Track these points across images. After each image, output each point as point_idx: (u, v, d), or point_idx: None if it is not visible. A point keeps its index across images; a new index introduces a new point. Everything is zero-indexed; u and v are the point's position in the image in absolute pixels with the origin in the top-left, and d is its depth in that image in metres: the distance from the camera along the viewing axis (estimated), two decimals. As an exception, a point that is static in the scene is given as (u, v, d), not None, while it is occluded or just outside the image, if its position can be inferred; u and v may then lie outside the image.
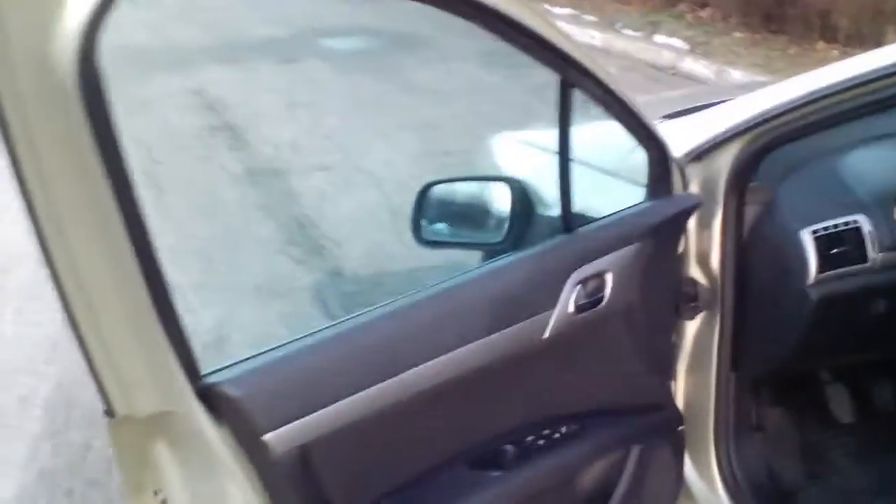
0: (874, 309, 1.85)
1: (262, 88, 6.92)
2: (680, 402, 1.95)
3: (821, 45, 6.98)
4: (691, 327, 1.92)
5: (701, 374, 1.92)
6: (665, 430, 1.82)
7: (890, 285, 1.81)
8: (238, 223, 4.74)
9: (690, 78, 6.78)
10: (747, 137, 1.75)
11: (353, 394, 1.25)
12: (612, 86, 1.55)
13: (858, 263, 1.78)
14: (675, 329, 1.92)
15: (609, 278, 1.58)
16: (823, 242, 1.75)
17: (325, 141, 5.73)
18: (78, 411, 3.23)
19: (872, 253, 1.77)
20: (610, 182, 2.08)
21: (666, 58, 7.18)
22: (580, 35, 7.90)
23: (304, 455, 1.21)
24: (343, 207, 4.82)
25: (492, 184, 1.82)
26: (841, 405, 2.29)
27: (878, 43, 6.65)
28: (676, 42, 7.38)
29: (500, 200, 1.76)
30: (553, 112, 1.51)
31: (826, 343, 1.91)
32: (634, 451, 1.70)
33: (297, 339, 1.26)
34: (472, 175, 1.84)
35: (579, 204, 1.70)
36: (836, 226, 1.77)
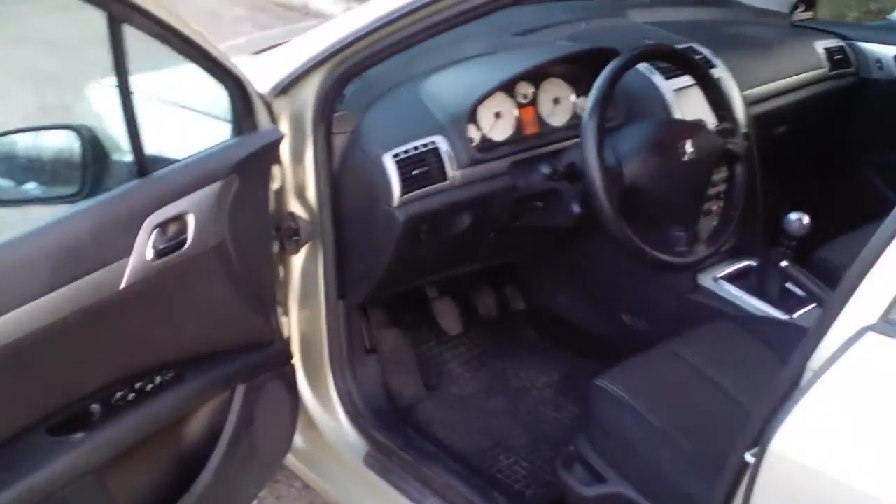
0: (460, 223, 1.96)
1: None
2: (295, 334, 1.98)
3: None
4: (297, 260, 1.93)
5: (311, 305, 1.95)
6: (273, 365, 1.83)
7: (471, 200, 1.92)
8: None
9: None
10: (327, 67, 1.77)
11: None
12: (173, 22, 1.49)
13: (439, 182, 1.86)
14: (281, 264, 1.93)
15: (191, 219, 1.54)
16: (405, 164, 1.82)
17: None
18: None
19: (452, 171, 1.87)
20: (204, 122, 2.02)
21: (296, -4, 7.15)
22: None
23: None
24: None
25: (60, 132, 1.69)
26: (449, 318, 2.44)
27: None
28: (310, -19, 7.34)
29: (72, 150, 1.65)
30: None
31: (421, 261, 1.99)
32: (239, 391, 1.69)
33: None
34: (34, 125, 1.69)
35: (168, 147, 1.64)
36: (415, 148, 1.84)
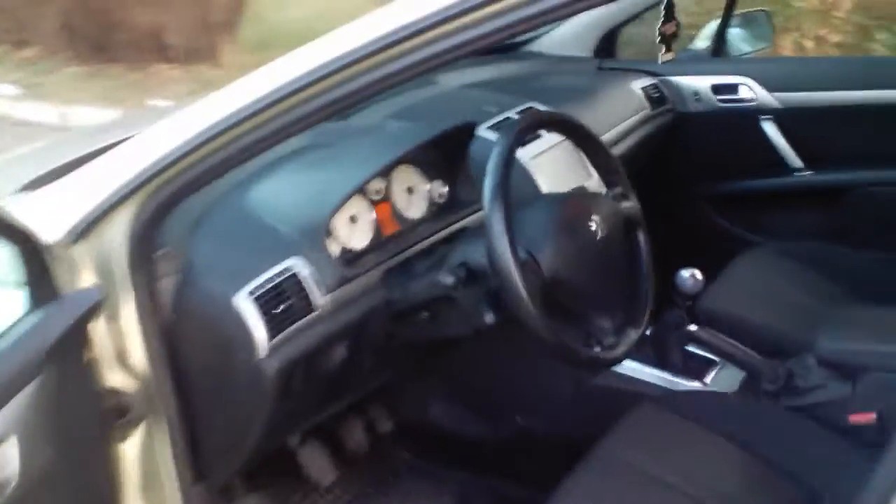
0: (335, 357, 1.61)
1: None
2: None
3: (160, 66, 6.78)
4: (131, 447, 1.48)
5: (158, 499, 1.50)
6: None
7: (345, 327, 1.58)
8: None
9: (35, 125, 6.08)
10: (139, 197, 1.35)
11: None
12: None
13: (308, 314, 1.50)
14: (110, 456, 1.46)
15: (11, 446, 1.10)
16: (264, 303, 1.45)
17: None
18: None
19: (318, 298, 1.51)
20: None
21: (-1, 107, 6.39)
22: None
23: None
24: None
25: None
26: (317, 465, 2.04)
27: (215, 56, 6.67)
28: (5, 88, 6.60)
29: None
30: None
31: (297, 410, 1.63)
32: None
33: None
34: None
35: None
36: (271, 279, 1.47)
